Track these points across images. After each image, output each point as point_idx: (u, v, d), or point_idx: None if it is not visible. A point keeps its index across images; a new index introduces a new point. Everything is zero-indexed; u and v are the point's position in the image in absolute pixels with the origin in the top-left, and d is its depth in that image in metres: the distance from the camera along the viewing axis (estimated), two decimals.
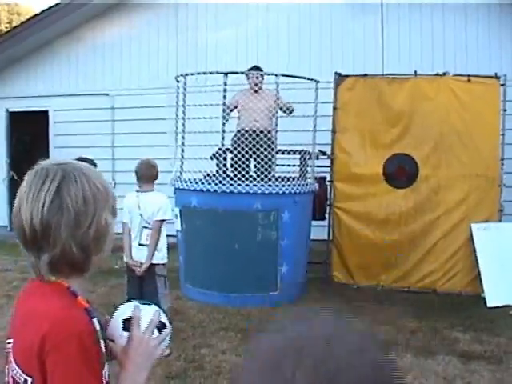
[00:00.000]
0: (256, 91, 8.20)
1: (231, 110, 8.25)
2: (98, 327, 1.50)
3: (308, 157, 8.15)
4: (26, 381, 1.47)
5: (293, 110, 8.09)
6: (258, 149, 7.55)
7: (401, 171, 8.34)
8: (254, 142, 7.59)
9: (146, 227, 5.85)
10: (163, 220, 5.85)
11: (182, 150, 7.99)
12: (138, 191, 5.95)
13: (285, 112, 8.08)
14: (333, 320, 0.89)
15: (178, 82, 8.13)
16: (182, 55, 11.65)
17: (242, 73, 8.19)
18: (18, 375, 1.49)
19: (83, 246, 1.49)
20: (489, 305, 7.50)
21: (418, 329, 6.73)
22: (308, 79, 7.96)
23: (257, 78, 8.20)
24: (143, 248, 5.86)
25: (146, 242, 5.83)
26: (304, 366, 0.76)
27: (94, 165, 6.09)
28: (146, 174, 5.94)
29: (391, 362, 0.83)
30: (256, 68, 8.36)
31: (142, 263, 5.80)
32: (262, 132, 7.79)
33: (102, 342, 1.50)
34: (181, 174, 7.98)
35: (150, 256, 5.79)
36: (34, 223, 1.46)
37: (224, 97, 7.84)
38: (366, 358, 0.80)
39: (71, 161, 1.60)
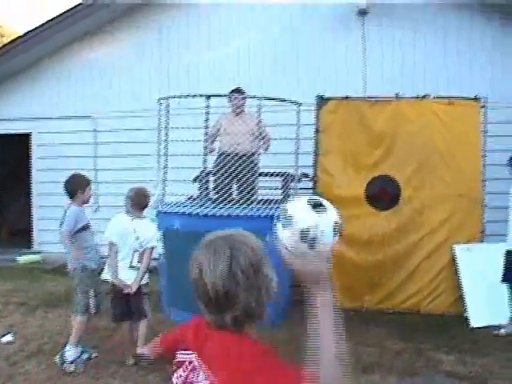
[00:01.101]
0: (238, 114, 8.20)
1: (215, 137, 8.30)
2: None
3: (291, 179, 8.15)
4: None
5: (268, 147, 8.18)
6: (240, 172, 7.50)
7: (383, 193, 8.36)
8: (236, 165, 7.53)
9: (137, 250, 6.08)
10: (154, 247, 6.18)
11: (165, 173, 7.97)
12: (130, 215, 6.15)
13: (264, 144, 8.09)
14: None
15: (160, 104, 8.08)
16: (164, 77, 11.65)
17: (225, 95, 8.16)
18: None
19: (259, 301, 1.84)
20: (472, 325, 7.50)
21: (403, 350, 6.71)
22: (290, 102, 7.96)
23: (239, 100, 8.18)
24: (132, 269, 6.08)
25: (138, 264, 6.07)
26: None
27: (88, 181, 6.33)
28: (137, 202, 6.14)
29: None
30: (238, 91, 8.34)
31: (127, 283, 6.03)
32: (244, 155, 7.76)
33: None
34: (163, 196, 7.96)
35: (141, 277, 6.05)
36: (216, 292, 1.78)
37: (206, 120, 7.79)
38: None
39: (231, 232, 1.92)
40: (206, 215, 7.29)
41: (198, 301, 1.86)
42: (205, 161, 7.84)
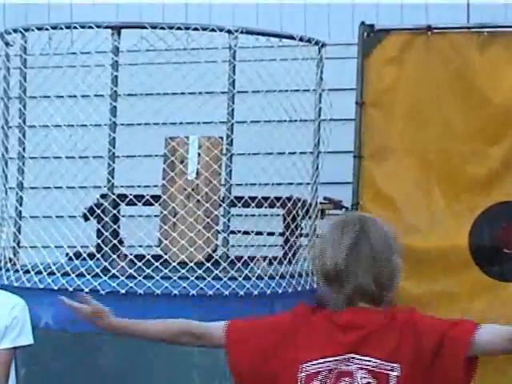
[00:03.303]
0: None
1: None
2: None
3: (302, 213, 4.57)
4: None
5: None
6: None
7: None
8: None
9: None
10: (16, 348, 3.26)
11: (19, 200, 4.36)
12: None
13: None
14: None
15: (5, 44, 4.50)
16: None
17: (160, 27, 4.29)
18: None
19: (378, 283, 1.87)
20: None
21: None
22: (301, 41, 4.49)
23: None
24: None
25: None
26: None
27: None
28: None
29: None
30: None
31: None
32: None
33: None
34: (15, 252, 4.36)
35: None
36: (337, 267, 1.86)
37: (114, 78, 4.18)
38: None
39: (365, 213, 2.39)
40: (112, 293, 3.99)
41: (321, 282, 1.93)
42: (111, 172, 4.26)
